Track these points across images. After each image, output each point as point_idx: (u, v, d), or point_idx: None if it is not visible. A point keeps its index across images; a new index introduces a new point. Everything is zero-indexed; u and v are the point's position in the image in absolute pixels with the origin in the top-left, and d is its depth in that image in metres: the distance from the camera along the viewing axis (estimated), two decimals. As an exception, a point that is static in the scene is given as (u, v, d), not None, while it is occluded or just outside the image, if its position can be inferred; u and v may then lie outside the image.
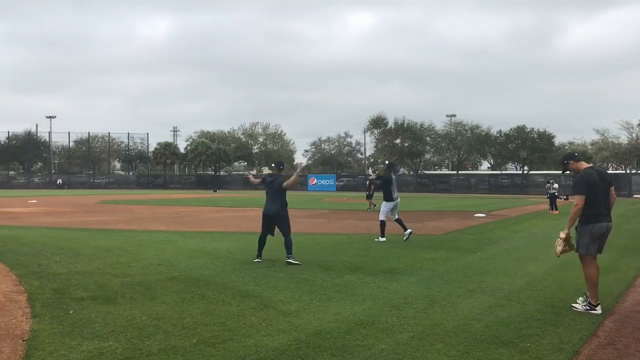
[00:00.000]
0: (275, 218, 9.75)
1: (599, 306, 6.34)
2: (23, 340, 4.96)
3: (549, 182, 27.78)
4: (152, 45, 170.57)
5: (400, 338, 5.17)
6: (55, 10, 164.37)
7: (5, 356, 4.55)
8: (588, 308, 6.34)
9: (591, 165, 6.76)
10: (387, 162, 14.64)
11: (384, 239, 12.91)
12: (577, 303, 6.48)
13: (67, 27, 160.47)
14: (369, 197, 27.01)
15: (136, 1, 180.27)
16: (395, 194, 13.16)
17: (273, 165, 10.55)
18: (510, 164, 77.76)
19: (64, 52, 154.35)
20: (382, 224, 13.12)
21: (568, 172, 7.01)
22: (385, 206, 13.16)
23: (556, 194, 26.78)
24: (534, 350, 4.88)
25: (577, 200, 6.34)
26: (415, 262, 9.70)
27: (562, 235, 6.55)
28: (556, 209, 25.82)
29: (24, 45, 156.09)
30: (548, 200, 26.86)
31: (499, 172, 73.47)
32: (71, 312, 6.01)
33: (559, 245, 6.61)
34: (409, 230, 12.83)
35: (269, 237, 9.87)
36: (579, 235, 6.44)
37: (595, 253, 6.44)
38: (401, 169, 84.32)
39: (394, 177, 13.21)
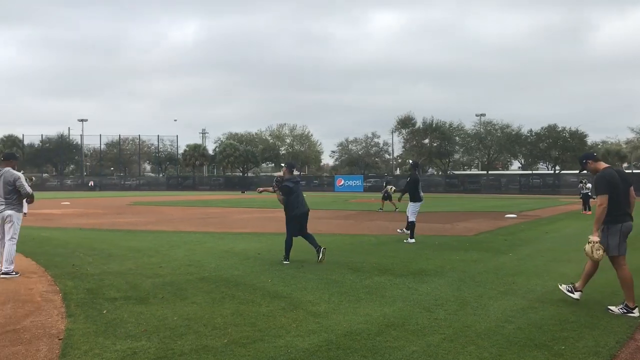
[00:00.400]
0: (306, 216, 10.00)
1: (637, 309, 6.20)
2: (59, 339, 5.06)
3: (581, 182, 27.26)
4: (182, 49, 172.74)
5: (431, 340, 5.12)
6: (90, 16, 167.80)
7: (43, 354, 4.65)
8: (625, 311, 6.21)
9: (609, 165, 6.70)
10: (411, 161, 14.54)
11: (413, 240, 12.79)
12: (614, 306, 6.35)
13: (100, 32, 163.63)
14: (385, 198, 26.76)
15: (167, 6, 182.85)
16: (421, 194, 13.15)
17: (285, 165, 10.60)
18: (541, 163, 76.60)
19: (97, 56, 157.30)
20: (413, 225, 12.98)
21: (585, 171, 6.96)
22: (414, 207, 13.06)
23: (589, 193, 26.25)
24: (568, 354, 4.78)
25: (601, 200, 6.27)
26: (445, 264, 9.61)
27: (596, 238, 6.36)
28: (589, 209, 25.31)
29: (58, 49, 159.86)
30: (581, 200, 26.36)
31: (530, 172, 72.38)
32: (104, 311, 6.11)
33: (599, 250, 6.35)
34: (412, 240, 12.78)
35: (300, 238, 9.97)
36: (609, 237, 6.34)
37: (624, 253, 6.35)
38: (429, 169, 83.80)
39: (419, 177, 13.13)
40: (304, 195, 10.27)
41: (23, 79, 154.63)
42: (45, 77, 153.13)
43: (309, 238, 9.97)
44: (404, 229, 13.12)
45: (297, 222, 9.88)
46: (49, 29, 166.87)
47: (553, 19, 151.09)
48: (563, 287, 6.81)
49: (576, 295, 6.58)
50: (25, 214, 20.16)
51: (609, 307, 6.39)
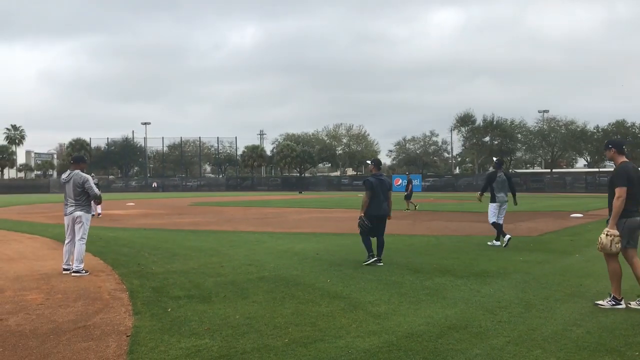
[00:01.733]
0: (384, 219, 9.62)
1: (623, 300, 6.38)
2: (127, 336, 5.24)
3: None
4: (240, 53, 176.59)
5: (495, 343, 4.99)
6: (153, 22, 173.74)
7: (112, 350, 4.82)
8: (614, 303, 6.29)
9: (628, 160, 6.69)
10: (495, 159, 13.88)
11: (498, 242, 12.04)
12: (602, 300, 6.48)
13: (163, 38, 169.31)
14: (407, 197, 26.32)
15: (225, 11, 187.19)
16: (502, 194, 12.20)
17: (372, 163, 10.07)
18: (608, 161, 73.59)
19: (159, 61, 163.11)
20: (494, 225, 12.22)
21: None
22: (490, 207, 12.35)
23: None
24: (643, 360, 4.56)
25: (619, 192, 6.31)
26: (508, 265, 9.36)
27: (616, 232, 6.31)
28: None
29: (124, 56, 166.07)
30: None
31: (597, 169, 69.58)
32: (169, 310, 6.27)
33: (617, 243, 6.29)
34: (508, 236, 11.85)
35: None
36: (622, 231, 6.38)
37: (627, 247, 6.40)
38: (490, 168, 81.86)
39: (500, 175, 12.23)
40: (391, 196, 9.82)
41: (91, 86, 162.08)
42: (112, 83, 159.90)
43: (380, 242, 9.52)
44: (502, 238, 12.06)
45: (373, 223, 9.47)
46: (115, 36, 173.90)
47: (620, 11, 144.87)
48: (605, 304, 6.39)
49: (623, 304, 6.35)
50: (99, 214, 21.18)
51: (597, 302, 6.43)
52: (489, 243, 12.23)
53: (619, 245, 6.32)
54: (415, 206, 26.18)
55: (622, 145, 6.83)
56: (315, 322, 5.72)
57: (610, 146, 6.77)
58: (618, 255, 6.48)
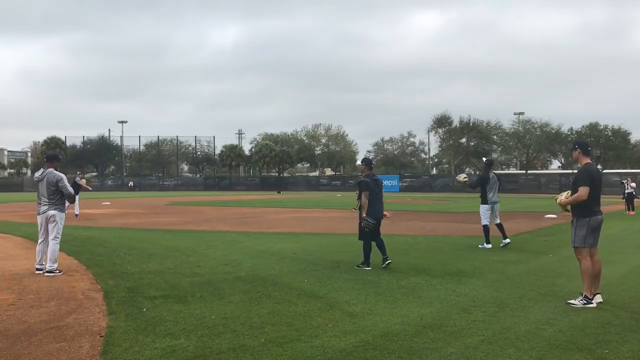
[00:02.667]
0: (380, 220, 9.39)
1: (598, 296, 6.58)
2: (101, 337, 5.18)
3: (624, 181, 26.52)
4: (221, 52, 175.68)
5: (469, 342, 5.05)
6: (134, 21, 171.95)
7: (85, 351, 4.76)
8: (585, 302, 6.41)
9: (592, 162, 6.94)
10: (484, 159, 13.66)
11: (489, 245, 11.76)
12: (574, 299, 6.60)
13: (144, 36, 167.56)
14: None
15: (207, 10, 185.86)
16: (493, 195, 12.08)
17: (363, 163, 9.85)
18: (574, 161, 74.73)
19: (139, 60, 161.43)
20: (485, 228, 11.99)
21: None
22: (482, 209, 12.19)
23: (633, 193, 25.51)
24: (612, 358, 4.65)
25: (583, 191, 6.55)
26: (483, 265, 9.46)
27: (564, 200, 6.85)
28: (633, 210, 24.59)
29: (104, 54, 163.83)
30: (624, 200, 25.63)
31: (571, 171, 70.68)
32: (144, 310, 6.22)
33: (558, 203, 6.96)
34: (507, 240, 11.83)
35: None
36: (576, 229, 6.69)
37: (591, 245, 6.65)
38: (467, 169, 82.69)
39: (492, 176, 12.14)
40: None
41: (69, 84, 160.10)
42: (90, 81, 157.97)
43: (379, 243, 9.27)
44: (503, 240, 11.95)
45: (374, 225, 9.26)
46: (95, 34, 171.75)
47: (595, 16, 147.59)
48: (577, 302, 6.48)
49: (594, 302, 6.47)
50: (76, 215, 20.86)
51: (569, 301, 6.57)
52: (479, 246, 11.97)
53: (560, 205, 6.98)
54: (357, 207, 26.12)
55: (587, 147, 7.04)
56: (292, 321, 5.72)
57: (576, 147, 6.98)
58: (596, 253, 6.71)
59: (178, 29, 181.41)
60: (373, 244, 9.26)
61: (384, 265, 9.06)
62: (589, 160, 6.85)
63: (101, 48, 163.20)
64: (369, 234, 9.22)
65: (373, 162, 9.93)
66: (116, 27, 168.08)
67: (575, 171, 7.07)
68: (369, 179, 9.34)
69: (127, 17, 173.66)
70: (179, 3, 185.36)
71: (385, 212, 9.60)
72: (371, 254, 9.21)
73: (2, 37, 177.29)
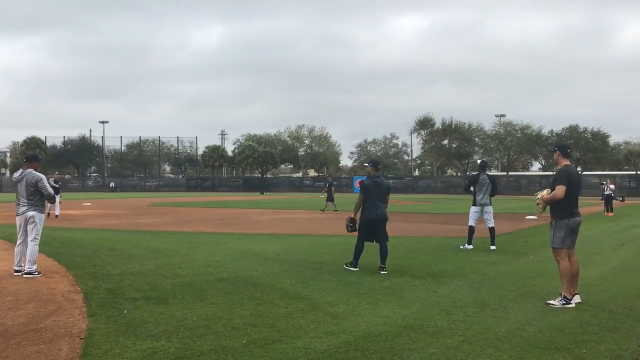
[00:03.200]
0: (381, 223, 9.13)
1: (577, 296, 6.66)
2: (80, 339, 5.12)
3: (603, 183, 26.92)
4: (205, 52, 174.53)
5: (450, 342, 5.09)
6: (118, 21, 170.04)
7: (64, 354, 4.71)
8: (564, 302, 6.50)
9: (570, 164, 7.06)
10: (479, 161, 13.81)
11: (470, 246, 11.82)
12: (553, 299, 6.69)
13: (127, 36, 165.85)
14: (330, 199, 26.64)
15: (191, 10, 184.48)
16: (482, 197, 11.92)
17: (370, 164, 9.52)
18: (555, 163, 75.55)
19: (123, 60, 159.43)
20: (470, 229, 12.00)
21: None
22: (470, 210, 12.22)
23: (612, 194, 25.89)
24: (590, 357, 4.71)
25: (558, 190, 6.64)
26: (464, 265, 9.54)
27: (546, 197, 6.91)
28: (611, 211, 24.96)
29: (85, 54, 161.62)
30: (603, 201, 26.00)
31: (551, 172, 71.53)
32: (125, 311, 6.16)
33: (539, 203, 7.13)
34: (493, 247, 11.70)
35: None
36: (555, 230, 6.78)
37: (569, 246, 6.76)
38: (449, 170, 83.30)
39: (483, 177, 11.95)
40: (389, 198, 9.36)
41: (50, 83, 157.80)
42: (71, 81, 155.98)
43: (381, 248, 9.05)
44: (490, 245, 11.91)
45: (366, 226, 9.09)
46: (77, 34, 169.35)
47: (575, 20, 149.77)
48: (556, 303, 6.55)
49: (573, 303, 6.56)
50: (57, 216, 20.61)
51: (548, 301, 6.65)
52: (461, 246, 12.01)
53: (539, 206, 7.15)
54: (324, 209, 26.28)
55: (567, 149, 7.14)
56: (274, 323, 5.71)
57: (556, 149, 7.10)
58: (574, 254, 6.82)
59: (161, 29, 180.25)
60: (369, 246, 9.18)
61: (349, 267, 9.09)
62: (568, 162, 6.95)
63: (83, 48, 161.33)
64: (363, 234, 9.13)
65: (380, 164, 9.77)
66: (98, 26, 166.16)
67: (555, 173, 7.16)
68: (369, 181, 9.14)
69: (110, 17, 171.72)
70: (162, 3, 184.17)
71: None
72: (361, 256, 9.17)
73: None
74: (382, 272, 8.71)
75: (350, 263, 9.15)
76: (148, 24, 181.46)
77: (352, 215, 9.37)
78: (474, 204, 12.13)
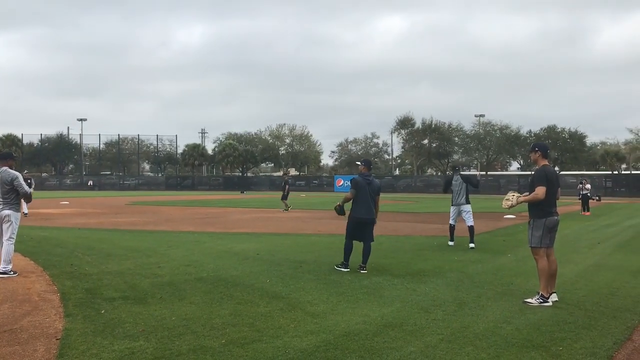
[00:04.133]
0: (369, 224, 9.07)
1: (553, 294, 6.74)
2: (57, 339, 5.05)
3: (581, 183, 27.30)
4: (186, 51, 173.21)
5: (429, 340, 5.12)
6: (99, 18, 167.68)
7: (40, 354, 4.64)
8: (541, 301, 6.59)
9: (549, 164, 7.16)
10: (449, 164, 14.22)
11: (451, 243, 12.36)
12: (531, 298, 6.77)
13: (109, 34, 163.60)
14: (284, 197, 26.78)
15: (174, 9, 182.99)
16: (458, 197, 12.31)
17: (362, 162, 9.34)
18: (533, 163, 76.44)
19: (103, 58, 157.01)
20: (450, 227, 12.47)
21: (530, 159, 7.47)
22: (450, 210, 12.62)
23: (588, 194, 26.27)
24: (566, 355, 4.78)
25: (539, 191, 6.71)
26: (444, 264, 9.61)
27: (520, 198, 7.06)
28: (588, 210, 25.34)
29: (66, 51, 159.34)
30: (580, 201, 26.37)
31: (529, 172, 72.38)
32: (102, 311, 6.10)
33: (509, 202, 7.23)
34: (472, 245, 11.89)
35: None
36: (533, 229, 6.85)
37: (548, 245, 6.82)
38: (429, 170, 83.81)
39: (457, 179, 12.41)
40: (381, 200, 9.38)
41: (28, 80, 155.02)
42: (51, 78, 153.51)
43: (365, 248, 8.99)
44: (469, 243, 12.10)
45: (354, 225, 9.02)
46: (58, 30, 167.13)
47: (553, 22, 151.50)
48: (533, 301, 6.63)
49: (550, 301, 6.64)
50: (25, 214, 20.30)
51: (526, 300, 6.74)
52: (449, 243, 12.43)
53: (509, 204, 7.24)
54: (288, 207, 26.31)
55: (547, 150, 7.23)
56: (254, 322, 5.69)
57: (536, 149, 7.15)
58: (553, 253, 6.90)
59: (143, 27, 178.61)
60: (356, 245, 9.07)
61: (339, 268, 8.91)
62: (546, 163, 7.03)
63: (63, 45, 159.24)
64: (350, 232, 9.02)
65: (372, 164, 9.66)
66: (79, 24, 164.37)
67: (533, 172, 7.22)
68: (361, 178, 9.07)
69: (91, 14, 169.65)
70: (145, 1, 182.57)
71: None
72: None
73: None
74: (362, 272, 8.73)
75: (341, 264, 8.99)
76: (130, 22, 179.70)
77: (339, 203, 9.31)
78: (452, 204, 12.57)
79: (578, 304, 6.69)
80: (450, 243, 12.37)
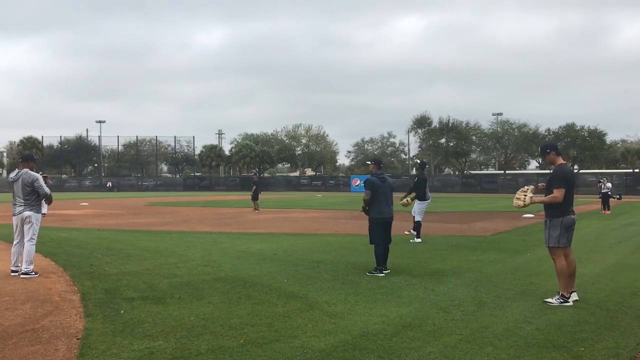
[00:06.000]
0: (391, 222, 8.98)
1: (574, 294, 6.66)
2: (77, 339, 5.11)
3: (600, 181, 26.94)
4: (205, 53, 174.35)
5: (448, 341, 5.08)
6: (120, 23, 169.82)
7: (61, 354, 4.69)
8: (562, 301, 6.51)
9: (565, 162, 7.03)
10: (418, 161, 14.80)
11: (419, 240, 12.93)
12: (551, 297, 6.69)
13: (130, 38, 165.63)
14: (254, 198, 26.67)
15: (191, 11, 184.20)
16: (429, 194, 13.35)
17: (372, 162, 9.29)
18: (548, 164, 75.66)
19: (124, 61, 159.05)
20: (418, 224, 13.12)
21: (547, 161, 7.24)
22: (420, 205, 13.22)
23: (609, 193, 25.92)
24: (588, 355, 4.71)
25: (559, 193, 6.62)
26: (462, 264, 9.54)
27: (534, 199, 6.88)
28: (608, 209, 25.00)
29: (87, 54, 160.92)
30: (600, 199, 26.04)
31: (548, 171, 71.63)
32: (122, 311, 6.15)
33: (520, 200, 6.98)
34: (419, 240, 12.90)
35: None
36: (550, 229, 6.74)
37: (565, 245, 6.72)
38: (446, 169, 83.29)
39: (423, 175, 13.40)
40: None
41: (51, 83, 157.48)
42: (73, 82, 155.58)
43: (385, 250, 8.83)
44: (412, 230, 13.25)
45: (378, 226, 8.82)
46: (80, 35, 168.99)
47: (572, 20, 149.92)
48: (554, 301, 6.56)
49: (570, 301, 6.57)
50: (44, 214, 20.55)
51: (546, 299, 6.66)
52: (411, 241, 12.98)
53: (520, 203, 6.98)
54: (257, 208, 26.28)
55: (557, 147, 7.17)
56: (272, 322, 5.70)
57: (548, 150, 7.04)
58: (571, 253, 6.81)
59: (163, 30, 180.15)
60: (370, 247, 8.99)
61: (373, 274, 8.52)
62: (562, 161, 6.93)
63: (85, 49, 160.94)
64: (379, 236, 8.77)
65: (382, 162, 9.62)
66: (101, 28, 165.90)
67: (551, 172, 7.12)
68: (376, 178, 8.89)
69: (112, 18, 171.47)
70: (163, 4, 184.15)
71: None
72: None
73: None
74: (374, 272, 8.60)
75: (375, 269, 8.62)
76: (150, 26, 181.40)
77: (364, 206, 8.96)
78: (423, 200, 13.38)
79: (599, 303, 6.59)
80: (419, 240, 12.92)
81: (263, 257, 10.26)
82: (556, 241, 6.69)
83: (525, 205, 7.04)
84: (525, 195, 7.00)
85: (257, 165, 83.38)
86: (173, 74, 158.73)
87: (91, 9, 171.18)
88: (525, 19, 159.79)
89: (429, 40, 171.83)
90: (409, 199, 13.36)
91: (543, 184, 7.16)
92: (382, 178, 8.96)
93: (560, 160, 6.92)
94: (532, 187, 7.16)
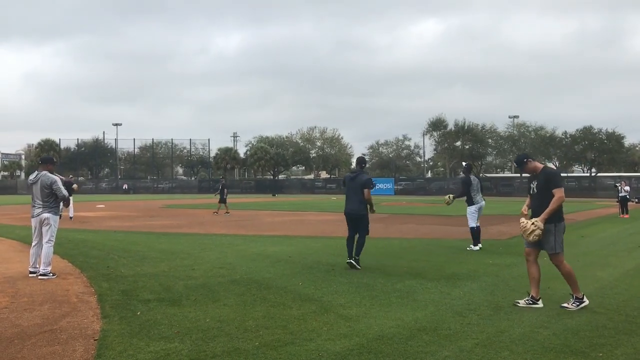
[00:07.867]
0: (357, 219, 9.51)
1: (539, 301, 6.62)
2: (94, 340, 5.15)
3: (618, 185, 26.63)
4: (223, 57, 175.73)
5: (464, 345, 5.05)
6: (142, 27, 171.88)
7: (79, 354, 4.74)
8: (578, 303, 6.46)
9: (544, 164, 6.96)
10: (464, 163, 14.03)
11: (477, 247, 11.98)
12: (567, 303, 6.59)
13: (150, 42, 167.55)
14: (222, 200, 26.45)
15: (211, 16, 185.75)
16: (479, 197, 12.31)
17: (355, 162, 9.99)
18: (576, 166, 74.97)
19: (144, 65, 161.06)
20: (473, 230, 12.13)
21: (525, 172, 7.06)
22: (467, 209, 12.32)
23: (627, 196, 25.61)
24: (606, 361, 4.66)
25: (561, 193, 6.51)
26: (478, 268, 9.48)
27: (541, 225, 6.47)
28: (627, 213, 24.70)
29: (108, 59, 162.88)
30: (618, 203, 25.73)
31: (565, 174, 70.95)
32: (138, 313, 6.19)
33: (537, 236, 6.50)
34: (475, 247, 11.94)
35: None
36: (556, 235, 6.56)
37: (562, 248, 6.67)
38: (462, 172, 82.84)
39: (474, 178, 12.43)
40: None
41: (71, 87, 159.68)
42: (93, 86, 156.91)
43: (358, 239, 9.47)
44: (472, 246, 12.12)
45: (346, 219, 9.73)
46: (102, 39, 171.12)
47: (589, 23, 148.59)
48: (570, 306, 6.50)
49: (586, 301, 6.55)
50: (71, 217, 20.80)
51: (563, 304, 6.56)
52: (467, 248, 12.07)
53: (537, 238, 6.52)
54: (218, 211, 26.28)
55: (528, 155, 7.06)
56: (287, 325, 5.71)
57: (525, 160, 6.91)
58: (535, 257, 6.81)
59: (183, 34, 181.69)
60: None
61: (348, 261, 9.31)
62: (540, 164, 6.89)
63: (106, 53, 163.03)
64: (349, 227, 9.67)
65: (365, 162, 9.97)
66: (122, 32, 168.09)
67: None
68: (346, 175, 9.77)
69: (134, 23, 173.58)
70: (183, 9, 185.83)
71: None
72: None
73: (14, 42, 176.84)
74: (351, 262, 9.21)
75: (349, 257, 9.39)
76: (170, 30, 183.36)
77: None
78: (471, 204, 12.36)
79: (618, 309, 6.51)
80: (476, 248, 11.99)
81: (278, 260, 10.28)
82: (562, 246, 6.64)
83: (541, 232, 6.58)
84: (534, 224, 6.54)
85: (271, 168, 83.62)
86: (191, 77, 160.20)
87: (112, 14, 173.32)
88: (543, 22, 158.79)
89: (446, 43, 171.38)
90: (450, 196, 12.79)
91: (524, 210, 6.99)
92: (350, 176, 9.57)
93: (540, 164, 6.89)
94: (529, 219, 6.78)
